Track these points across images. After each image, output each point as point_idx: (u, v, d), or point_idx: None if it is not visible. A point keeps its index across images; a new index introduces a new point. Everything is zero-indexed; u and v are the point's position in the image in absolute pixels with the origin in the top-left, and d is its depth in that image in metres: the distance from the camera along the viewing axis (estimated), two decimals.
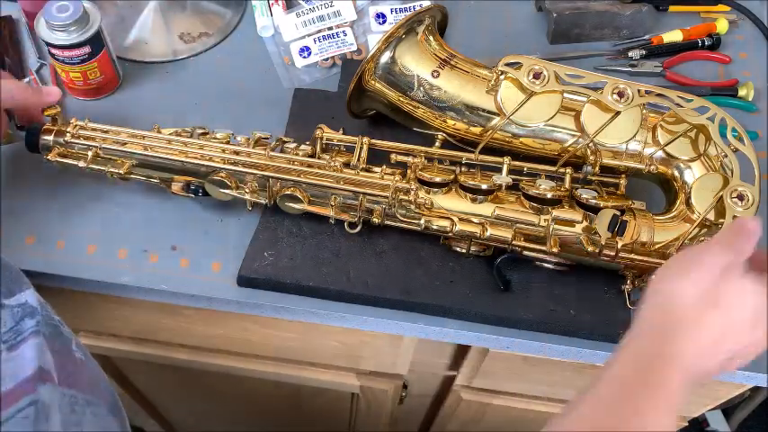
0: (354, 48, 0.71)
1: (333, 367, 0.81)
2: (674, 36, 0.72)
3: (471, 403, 0.82)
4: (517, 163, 0.56)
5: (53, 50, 0.63)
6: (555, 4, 0.71)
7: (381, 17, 0.72)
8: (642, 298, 0.44)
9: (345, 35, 0.71)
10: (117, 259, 0.59)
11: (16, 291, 0.46)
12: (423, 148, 0.57)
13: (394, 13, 0.72)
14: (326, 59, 0.71)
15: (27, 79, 0.66)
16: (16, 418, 0.41)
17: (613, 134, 0.53)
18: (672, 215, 0.54)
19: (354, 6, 0.72)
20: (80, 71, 0.64)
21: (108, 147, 0.57)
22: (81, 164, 0.57)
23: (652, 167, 0.54)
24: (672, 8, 0.74)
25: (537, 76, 0.52)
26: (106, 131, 0.58)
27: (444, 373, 0.80)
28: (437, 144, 0.57)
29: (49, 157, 0.57)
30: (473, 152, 0.56)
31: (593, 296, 0.56)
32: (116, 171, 0.57)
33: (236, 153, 0.56)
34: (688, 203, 0.53)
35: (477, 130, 0.56)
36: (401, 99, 0.57)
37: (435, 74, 0.55)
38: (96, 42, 0.63)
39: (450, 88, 0.56)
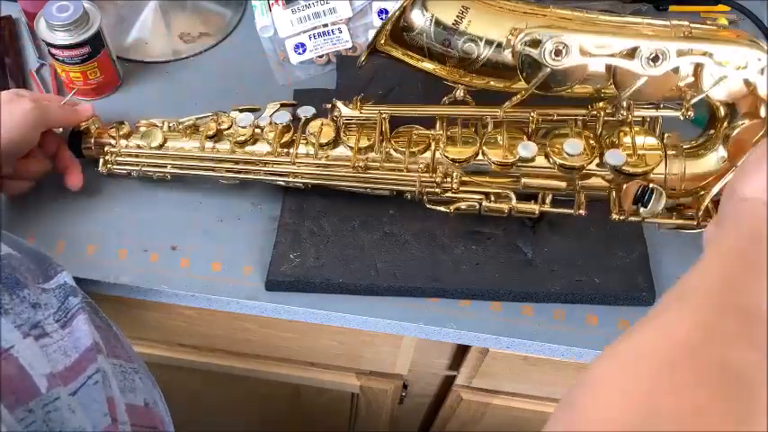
0: (350, 45, 0.71)
1: (333, 367, 0.81)
2: None
3: (471, 403, 0.82)
4: (545, 110, 0.54)
5: (53, 50, 0.63)
6: (554, 4, 0.71)
7: (384, 13, 0.72)
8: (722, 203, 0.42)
9: (341, 32, 0.71)
10: (117, 259, 0.59)
11: (53, 274, 0.48)
12: (444, 110, 0.56)
13: None
14: (321, 56, 0.71)
15: (67, 98, 0.67)
16: (88, 384, 0.44)
17: (649, 91, 0.50)
18: (705, 150, 0.52)
19: (350, 4, 0.72)
20: (80, 71, 0.64)
21: (147, 169, 0.60)
22: (131, 173, 0.61)
23: (690, 113, 0.51)
24: (672, 8, 0.74)
25: (558, 53, 0.47)
26: (139, 156, 0.60)
27: (444, 373, 0.80)
28: (459, 92, 0.55)
29: (100, 169, 0.61)
30: (499, 103, 0.54)
31: (613, 264, 0.58)
32: (162, 173, 0.60)
33: (265, 164, 0.58)
34: (725, 143, 0.51)
35: (500, 84, 0.53)
36: (418, 60, 0.53)
37: (456, 27, 0.50)
38: (96, 42, 0.63)
39: (475, 36, 0.50)
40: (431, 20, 0.50)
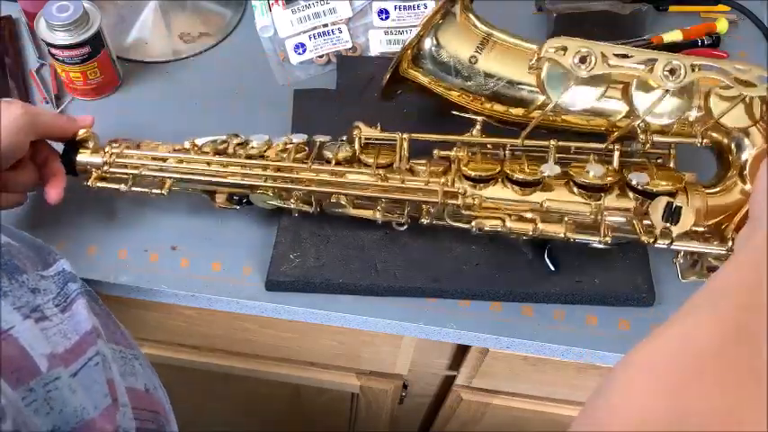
0: (349, 45, 0.71)
1: (333, 367, 0.81)
2: (673, 36, 0.72)
3: (471, 403, 0.82)
4: (563, 143, 0.54)
5: (53, 50, 0.63)
6: (555, 4, 0.71)
7: (384, 13, 0.72)
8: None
9: (341, 32, 0.71)
10: (117, 259, 0.59)
11: (52, 262, 0.49)
12: (465, 138, 0.55)
13: (397, 10, 0.71)
14: (321, 56, 0.71)
15: (63, 106, 0.67)
16: (88, 366, 0.45)
17: (664, 112, 0.51)
18: (723, 187, 0.52)
19: (350, 4, 0.72)
20: (80, 71, 0.64)
21: (147, 173, 0.56)
22: (122, 188, 0.57)
23: (705, 141, 0.52)
24: (672, 8, 0.74)
25: (583, 60, 0.50)
26: (142, 157, 0.57)
27: (444, 373, 0.80)
28: (477, 128, 0.55)
29: (89, 183, 0.57)
30: (516, 136, 0.54)
31: (613, 264, 0.58)
32: (157, 192, 0.57)
33: (279, 170, 0.56)
34: (741, 175, 0.52)
35: (519, 111, 0.54)
36: (438, 87, 0.56)
37: (475, 56, 0.53)
38: (96, 42, 0.63)
39: (491, 68, 0.54)
40: (451, 50, 0.54)
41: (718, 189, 0.52)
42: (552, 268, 0.57)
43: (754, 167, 0.51)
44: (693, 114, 0.52)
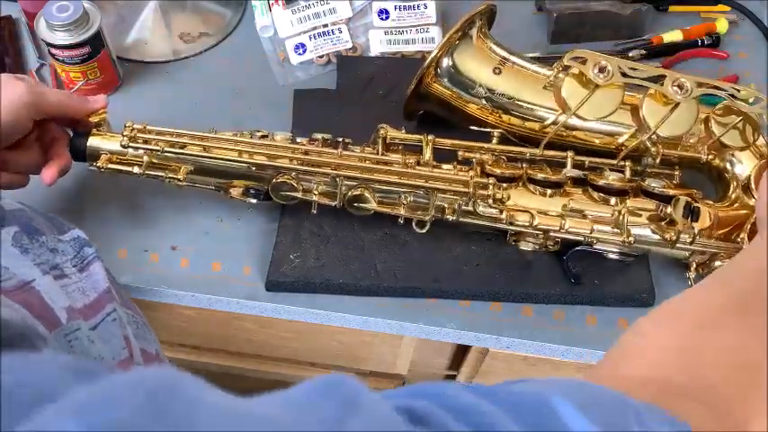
0: (350, 45, 0.71)
1: (333, 367, 0.81)
2: (673, 36, 0.72)
3: None
4: (579, 158, 0.56)
5: (53, 50, 0.63)
6: (555, 4, 0.71)
7: (384, 13, 0.72)
8: None
9: (341, 32, 0.71)
10: (117, 259, 0.59)
11: (66, 229, 0.51)
12: (487, 145, 0.57)
13: (397, 10, 0.71)
14: (321, 56, 0.71)
15: (76, 87, 0.66)
16: (107, 321, 0.47)
17: (673, 126, 0.54)
18: (728, 202, 0.55)
19: (350, 4, 0.72)
20: (80, 71, 0.64)
21: (169, 150, 0.54)
22: (135, 170, 0.54)
23: (710, 156, 0.56)
24: (672, 8, 0.74)
25: (602, 69, 0.53)
26: (164, 134, 0.55)
27: (444, 373, 0.80)
28: (494, 141, 0.57)
29: (98, 165, 0.54)
30: (534, 148, 0.56)
31: (613, 265, 0.58)
32: (174, 177, 0.54)
33: (306, 153, 0.55)
34: (746, 190, 0.55)
35: (535, 126, 0.57)
36: (458, 100, 0.58)
37: (497, 71, 0.57)
38: (96, 42, 0.63)
39: (508, 87, 0.57)
40: (468, 69, 0.57)
41: (723, 203, 0.55)
42: (572, 281, 0.57)
43: (757, 180, 0.54)
44: (695, 138, 0.56)
